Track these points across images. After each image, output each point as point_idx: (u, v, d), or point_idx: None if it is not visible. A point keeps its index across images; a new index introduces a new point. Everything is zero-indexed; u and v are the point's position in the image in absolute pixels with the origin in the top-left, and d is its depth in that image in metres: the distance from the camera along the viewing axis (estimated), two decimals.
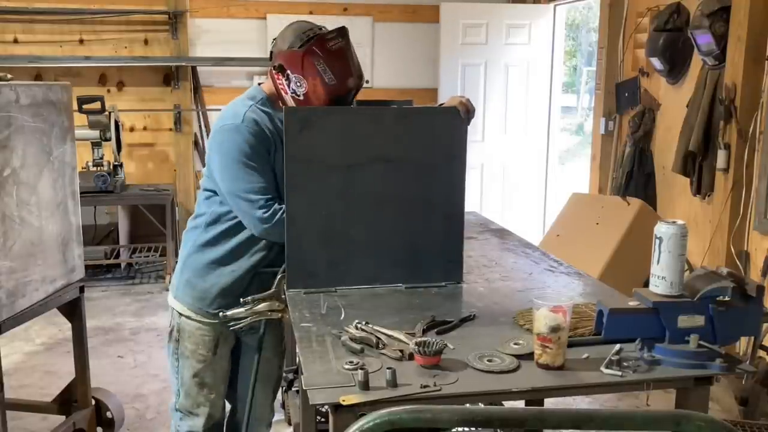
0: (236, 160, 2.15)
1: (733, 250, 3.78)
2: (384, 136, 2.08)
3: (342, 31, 2.18)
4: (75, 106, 4.17)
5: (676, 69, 4.35)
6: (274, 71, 2.20)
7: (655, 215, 4.36)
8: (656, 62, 4.43)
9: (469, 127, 2.12)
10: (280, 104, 2.22)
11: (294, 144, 2.01)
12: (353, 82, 2.17)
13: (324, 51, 2.12)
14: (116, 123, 5.34)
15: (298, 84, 2.15)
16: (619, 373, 1.55)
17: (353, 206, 2.08)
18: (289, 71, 2.16)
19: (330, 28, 2.24)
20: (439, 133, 2.10)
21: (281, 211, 2.12)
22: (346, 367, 1.55)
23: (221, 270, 2.28)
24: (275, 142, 2.18)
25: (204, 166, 2.36)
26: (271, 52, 2.24)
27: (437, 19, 5.94)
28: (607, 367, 1.56)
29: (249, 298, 2.18)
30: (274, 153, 2.18)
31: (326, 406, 1.46)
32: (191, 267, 2.33)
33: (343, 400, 1.41)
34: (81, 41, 5.93)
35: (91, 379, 3.04)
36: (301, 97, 2.17)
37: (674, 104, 4.43)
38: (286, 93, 2.19)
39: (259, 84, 2.33)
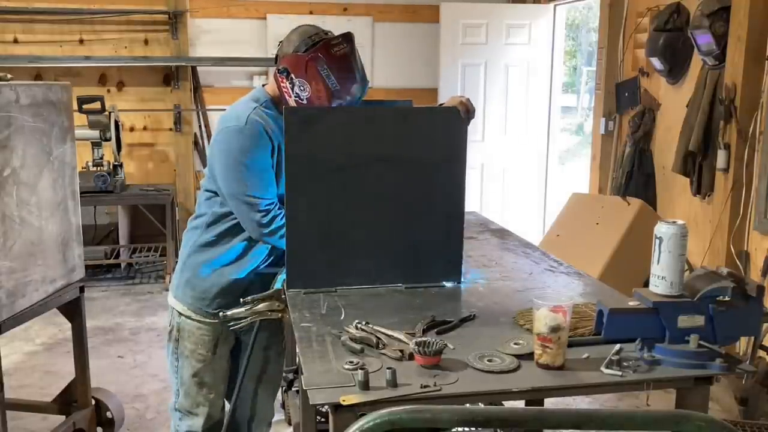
0: (238, 163, 2.15)
1: (733, 250, 3.78)
2: (384, 136, 2.08)
3: (347, 37, 2.18)
4: (75, 106, 4.17)
5: (676, 69, 4.35)
6: (278, 74, 2.20)
7: (655, 215, 4.36)
8: (656, 62, 4.43)
9: (469, 127, 2.12)
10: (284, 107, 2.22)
11: (294, 144, 2.01)
12: (357, 88, 2.17)
13: (328, 56, 2.12)
14: (116, 123, 5.34)
15: (302, 88, 2.15)
16: (619, 373, 1.54)
17: (353, 206, 2.08)
18: (293, 75, 2.15)
19: (330, 28, 2.23)
20: (439, 133, 2.10)
21: (281, 216, 2.12)
22: (346, 367, 1.55)
23: (221, 270, 2.28)
24: (278, 144, 2.17)
25: (204, 166, 2.36)
26: (276, 55, 2.24)
27: (437, 19, 5.94)
28: (607, 367, 1.56)
29: (249, 298, 2.18)
30: (277, 155, 2.18)
31: (326, 406, 1.46)
32: (191, 267, 2.33)
33: (343, 400, 1.41)
34: (81, 41, 5.93)
35: (91, 379, 3.04)
36: (305, 102, 2.16)
37: (674, 104, 4.43)
38: (290, 96, 2.19)
39: (263, 86, 2.32)
